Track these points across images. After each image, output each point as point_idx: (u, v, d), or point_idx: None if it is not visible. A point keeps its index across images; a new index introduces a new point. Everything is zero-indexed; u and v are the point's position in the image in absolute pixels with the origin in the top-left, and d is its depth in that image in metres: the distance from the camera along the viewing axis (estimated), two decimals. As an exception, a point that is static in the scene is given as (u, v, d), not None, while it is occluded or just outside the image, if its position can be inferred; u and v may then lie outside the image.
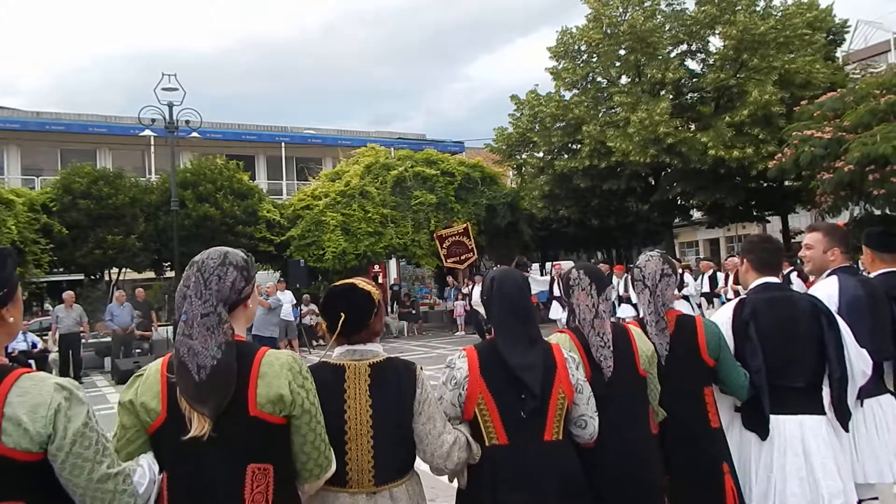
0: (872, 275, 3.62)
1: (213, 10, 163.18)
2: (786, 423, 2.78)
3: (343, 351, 2.18)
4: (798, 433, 2.76)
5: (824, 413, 2.85)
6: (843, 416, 2.85)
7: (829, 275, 3.40)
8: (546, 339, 2.42)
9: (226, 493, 1.73)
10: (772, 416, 2.79)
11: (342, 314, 2.13)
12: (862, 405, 3.12)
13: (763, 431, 2.79)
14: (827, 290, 3.27)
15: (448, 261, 19.73)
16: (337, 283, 2.27)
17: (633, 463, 2.42)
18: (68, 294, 14.07)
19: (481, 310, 16.63)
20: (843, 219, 17.04)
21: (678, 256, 25.09)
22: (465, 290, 18.32)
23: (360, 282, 2.25)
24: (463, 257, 19.56)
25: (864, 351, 2.96)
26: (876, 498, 3.24)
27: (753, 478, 2.79)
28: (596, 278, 2.60)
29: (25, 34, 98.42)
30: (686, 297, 12.61)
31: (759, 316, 2.88)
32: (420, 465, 2.22)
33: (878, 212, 15.36)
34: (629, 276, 15.05)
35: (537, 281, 16.31)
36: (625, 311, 14.33)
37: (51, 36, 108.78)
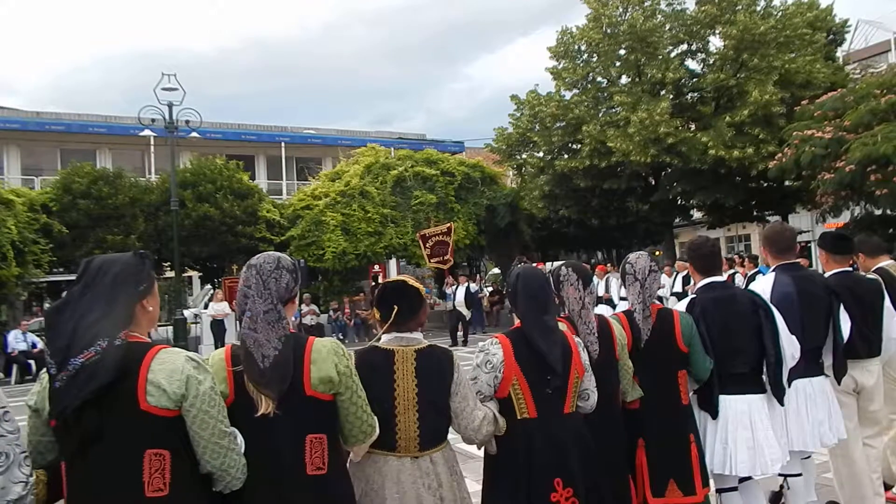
0: (827, 274, 4.06)
1: (213, 10, 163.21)
2: (735, 401, 3.27)
3: (391, 337, 2.51)
4: (746, 409, 3.25)
5: (766, 391, 3.33)
6: (780, 393, 3.32)
7: (771, 271, 3.84)
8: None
9: (291, 458, 2.09)
10: (723, 397, 3.28)
11: (395, 306, 2.47)
12: (790, 385, 3.52)
13: (713, 412, 3.28)
14: (762, 286, 3.72)
15: (431, 261, 19.63)
16: (389, 280, 2.62)
17: (611, 430, 2.92)
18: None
19: (463, 310, 16.59)
20: (843, 219, 17.04)
21: (678, 256, 25.05)
22: (448, 291, 18.15)
23: (410, 279, 2.61)
24: (446, 257, 19.49)
25: (794, 337, 3.41)
26: (800, 474, 3.68)
27: (711, 449, 3.27)
28: (582, 274, 3.05)
29: (25, 34, 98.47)
30: (658, 298, 12.62)
31: (707, 313, 3.32)
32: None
33: (878, 212, 15.35)
34: (609, 278, 15.21)
35: None
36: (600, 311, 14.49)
37: (51, 36, 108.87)
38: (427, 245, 19.46)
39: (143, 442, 1.82)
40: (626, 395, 3.10)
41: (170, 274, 19.52)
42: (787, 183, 18.66)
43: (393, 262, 24.96)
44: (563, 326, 2.83)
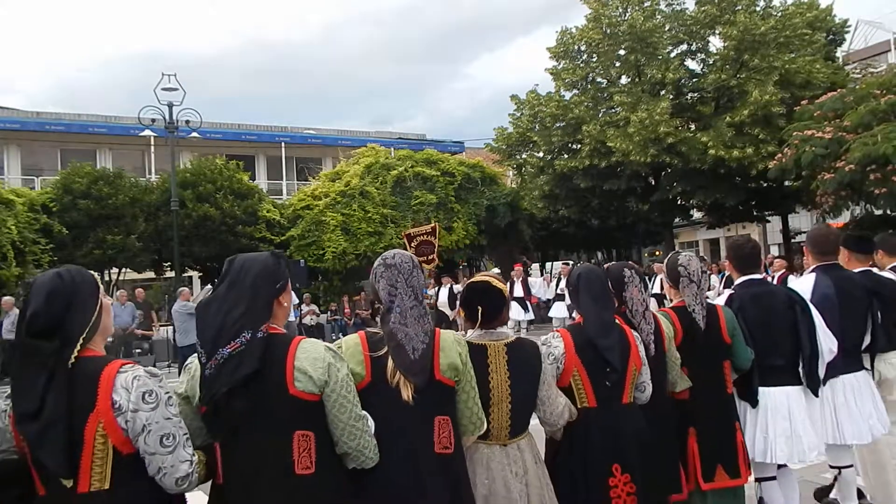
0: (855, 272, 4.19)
1: (213, 10, 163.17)
2: (774, 393, 3.46)
3: (480, 333, 2.65)
4: (784, 401, 3.44)
5: (802, 383, 3.52)
6: (815, 385, 3.53)
7: (811, 271, 4.03)
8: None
9: (421, 438, 2.25)
10: (762, 388, 3.46)
11: (480, 307, 2.61)
12: (836, 380, 3.74)
13: (753, 401, 3.46)
14: (803, 286, 3.91)
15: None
16: (474, 281, 2.76)
17: (663, 420, 3.05)
18: (5, 300, 13.23)
19: (447, 310, 16.54)
20: (843, 219, 17.04)
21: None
22: (430, 291, 18.11)
23: (493, 280, 2.71)
24: (430, 257, 19.45)
25: (830, 333, 3.59)
26: (851, 465, 3.89)
27: (752, 438, 3.43)
28: (643, 278, 3.22)
29: (26, 34, 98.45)
30: (656, 296, 12.65)
31: (745, 308, 3.50)
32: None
33: (878, 212, 15.36)
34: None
35: (537, 284, 16.33)
36: (558, 311, 14.79)
37: (51, 36, 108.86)
38: (412, 245, 19.44)
39: (293, 424, 1.98)
40: (674, 386, 3.24)
41: (170, 274, 19.51)
42: (787, 183, 18.66)
43: (393, 262, 24.95)
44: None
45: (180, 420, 1.89)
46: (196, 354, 2.05)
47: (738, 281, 3.70)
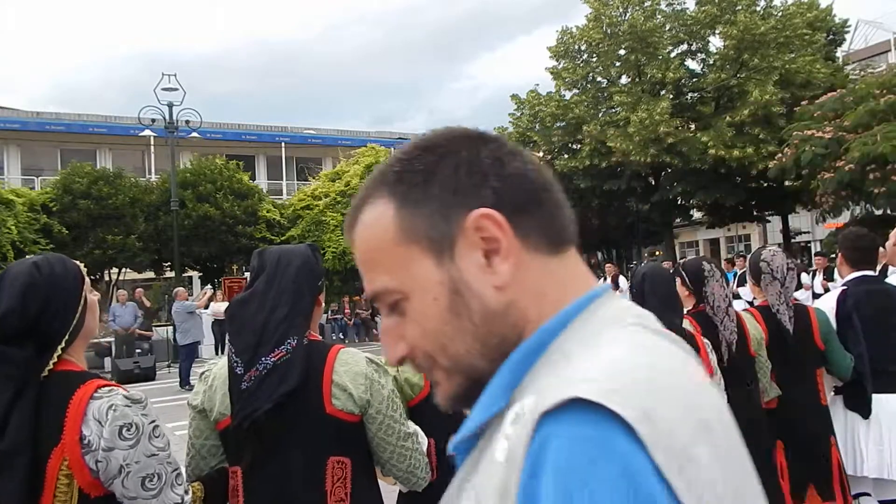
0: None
1: (213, 10, 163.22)
2: (888, 401, 3.06)
3: None
4: None
5: None
6: None
7: None
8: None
9: None
10: (875, 396, 3.07)
11: None
12: None
13: (865, 411, 3.07)
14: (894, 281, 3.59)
15: None
16: None
17: (747, 432, 2.65)
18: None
19: None
20: (843, 219, 17.05)
21: (678, 256, 25.08)
22: None
23: None
24: None
25: None
26: None
27: (865, 452, 3.05)
28: (723, 273, 3.01)
29: (26, 34, 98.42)
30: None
31: (860, 306, 3.15)
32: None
33: (878, 211, 15.37)
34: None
35: None
36: None
37: (51, 36, 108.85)
38: None
39: (327, 448, 1.71)
40: (764, 394, 2.99)
41: (170, 274, 19.52)
42: (787, 183, 18.66)
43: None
44: (687, 324, 2.79)
45: (168, 454, 1.57)
46: (211, 362, 1.82)
47: (849, 277, 3.34)
